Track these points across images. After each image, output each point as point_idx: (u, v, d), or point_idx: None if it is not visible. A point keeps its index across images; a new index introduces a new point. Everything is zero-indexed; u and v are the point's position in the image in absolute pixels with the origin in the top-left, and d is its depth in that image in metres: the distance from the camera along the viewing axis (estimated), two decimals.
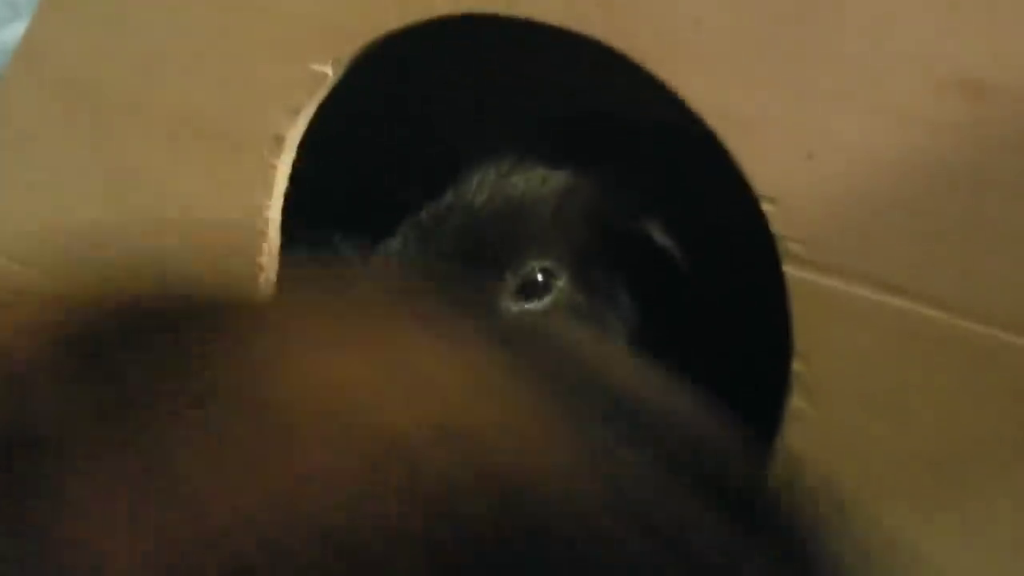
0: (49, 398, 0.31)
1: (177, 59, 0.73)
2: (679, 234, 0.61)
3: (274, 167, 0.70)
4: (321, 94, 0.68)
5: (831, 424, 0.55)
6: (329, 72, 0.67)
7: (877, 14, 0.52)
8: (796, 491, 0.39)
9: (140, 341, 0.33)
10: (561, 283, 0.62)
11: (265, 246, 0.71)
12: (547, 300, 0.62)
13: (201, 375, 0.32)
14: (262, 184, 0.70)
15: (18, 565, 0.27)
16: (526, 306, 0.62)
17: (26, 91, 0.80)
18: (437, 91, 0.91)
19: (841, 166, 0.54)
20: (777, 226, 0.55)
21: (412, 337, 0.34)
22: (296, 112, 0.69)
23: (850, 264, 0.54)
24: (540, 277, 0.61)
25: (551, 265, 0.61)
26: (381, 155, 0.84)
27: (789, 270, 0.55)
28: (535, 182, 0.63)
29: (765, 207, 0.55)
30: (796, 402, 0.56)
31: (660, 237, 0.61)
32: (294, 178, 0.71)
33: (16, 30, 0.85)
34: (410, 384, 0.32)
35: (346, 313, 0.37)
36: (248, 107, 0.70)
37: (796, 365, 0.56)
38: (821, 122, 0.54)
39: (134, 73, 0.75)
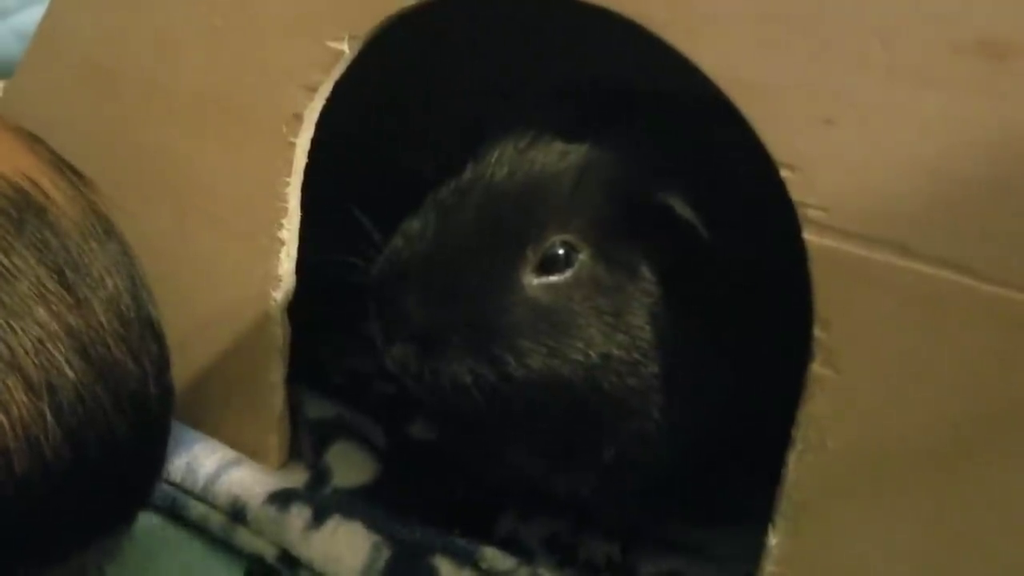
0: None
1: (195, 39, 0.73)
2: (700, 204, 0.61)
3: (293, 144, 0.70)
4: (338, 71, 0.68)
5: (854, 389, 0.55)
6: (345, 49, 0.67)
7: None
8: None
9: None
10: (583, 256, 0.61)
11: (285, 221, 0.72)
12: (569, 274, 0.61)
13: None
14: (282, 161, 0.70)
15: None
16: (548, 280, 0.61)
17: (47, 75, 0.80)
18: (454, 66, 0.91)
19: (860, 130, 0.53)
20: (796, 193, 0.55)
21: None
22: (313, 90, 0.69)
23: (871, 230, 0.53)
24: (561, 251, 0.61)
25: (572, 239, 0.61)
26: (399, 131, 0.84)
27: (809, 237, 0.55)
28: (554, 156, 0.63)
29: (784, 174, 0.55)
30: (818, 368, 0.56)
31: (681, 208, 0.60)
32: (313, 154, 0.71)
33: (32, 15, 0.85)
34: None
35: None
36: (266, 85, 0.70)
37: (818, 332, 0.56)
38: (838, 86, 0.53)
39: (153, 54, 0.75)
